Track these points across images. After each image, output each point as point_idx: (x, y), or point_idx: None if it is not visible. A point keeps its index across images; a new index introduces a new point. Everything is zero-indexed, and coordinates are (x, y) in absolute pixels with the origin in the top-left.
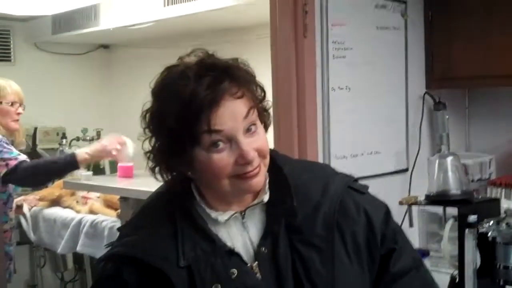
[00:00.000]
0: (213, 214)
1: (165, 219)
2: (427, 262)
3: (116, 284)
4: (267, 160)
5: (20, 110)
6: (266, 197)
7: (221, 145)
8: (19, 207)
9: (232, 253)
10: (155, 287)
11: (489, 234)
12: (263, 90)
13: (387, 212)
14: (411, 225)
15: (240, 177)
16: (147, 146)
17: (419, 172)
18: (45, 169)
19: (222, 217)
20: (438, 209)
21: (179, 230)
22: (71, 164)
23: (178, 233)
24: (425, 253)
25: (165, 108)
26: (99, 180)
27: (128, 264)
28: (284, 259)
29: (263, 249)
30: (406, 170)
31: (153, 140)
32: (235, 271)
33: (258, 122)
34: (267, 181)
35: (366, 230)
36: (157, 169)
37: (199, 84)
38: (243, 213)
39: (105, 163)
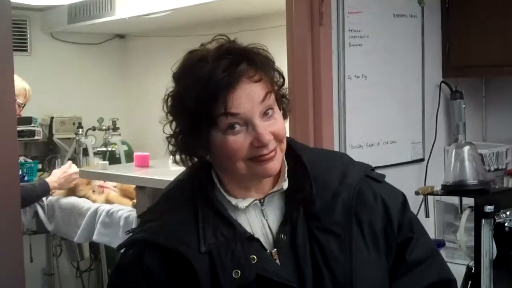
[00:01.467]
0: (233, 201)
1: (186, 205)
2: (442, 253)
3: (139, 269)
4: (284, 145)
5: (21, 112)
6: (285, 185)
7: (237, 127)
8: None
9: (252, 239)
10: (177, 272)
11: (506, 224)
12: (282, 76)
13: (404, 201)
14: (427, 215)
15: (255, 160)
16: (168, 130)
17: (435, 162)
18: (26, 195)
19: (242, 203)
20: (454, 200)
21: (200, 216)
22: (46, 191)
23: (199, 219)
24: (440, 243)
25: (184, 90)
26: (115, 169)
27: (150, 250)
28: (303, 246)
29: (282, 236)
30: (422, 160)
31: (174, 124)
32: (255, 257)
33: (276, 108)
34: (286, 169)
35: (384, 218)
36: (177, 153)
37: (217, 66)
38: (262, 201)
39: (120, 152)
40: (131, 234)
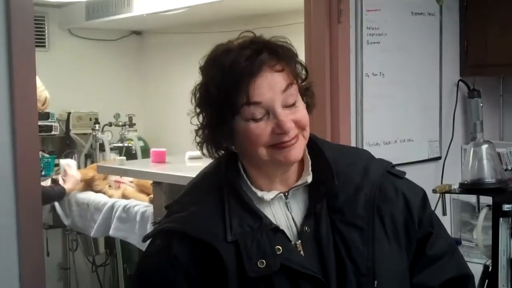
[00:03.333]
0: (259, 192)
1: (213, 196)
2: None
3: (167, 258)
4: (307, 133)
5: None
6: (309, 178)
7: (259, 115)
8: None
9: (277, 231)
10: (204, 261)
11: None
12: (305, 69)
13: (424, 197)
14: (444, 213)
15: (276, 147)
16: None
17: (452, 160)
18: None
19: (268, 196)
20: (471, 198)
21: (226, 206)
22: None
23: (225, 209)
24: (457, 242)
25: (209, 80)
26: (132, 165)
27: (178, 240)
28: (326, 238)
29: (306, 228)
30: (439, 158)
31: (200, 117)
32: (280, 247)
33: (299, 99)
34: (310, 163)
35: (405, 213)
36: (204, 145)
37: (240, 56)
38: (286, 194)
39: (137, 148)
40: (157, 225)
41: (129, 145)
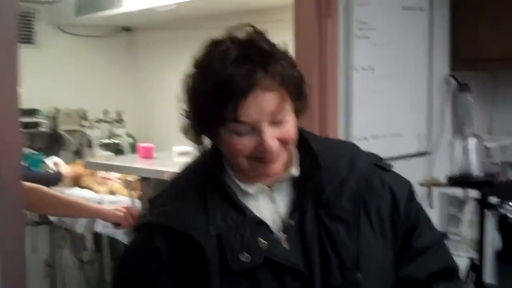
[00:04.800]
0: (243, 186)
1: (196, 190)
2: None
3: (149, 252)
4: (292, 146)
5: None
6: (295, 172)
7: (244, 131)
8: None
9: (261, 224)
10: (187, 255)
11: (510, 216)
12: (301, 77)
13: (411, 189)
14: (431, 207)
15: (257, 160)
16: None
17: (441, 155)
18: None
19: (252, 189)
20: (458, 192)
21: (209, 200)
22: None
23: (208, 203)
24: (444, 236)
25: (199, 86)
26: (120, 161)
27: (161, 233)
28: (311, 232)
29: (291, 221)
30: (428, 152)
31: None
32: (264, 241)
33: (289, 110)
34: (296, 156)
35: (391, 206)
36: (188, 132)
37: (234, 71)
38: (271, 187)
39: (125, 145)
40: (141, 219)
41: (118, 141)
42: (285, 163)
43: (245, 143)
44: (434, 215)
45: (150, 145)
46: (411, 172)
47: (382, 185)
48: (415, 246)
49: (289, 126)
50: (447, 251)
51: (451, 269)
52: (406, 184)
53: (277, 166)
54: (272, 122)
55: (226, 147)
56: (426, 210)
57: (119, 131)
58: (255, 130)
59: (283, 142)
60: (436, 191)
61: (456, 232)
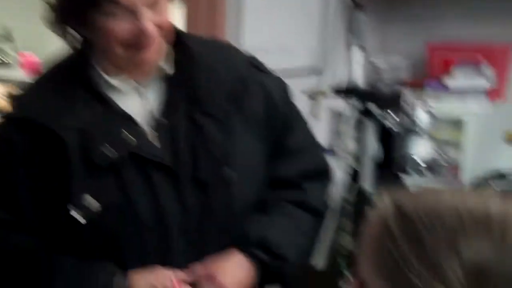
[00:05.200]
0: (113, 81)
1: (62, 84)
2: (332, 160)
3: (5, 144)
4: (169, 34)
5: None
6: (169, 69)
7: (120, 13)
8: None
9: (129, 119)
10: (48, 149)
11: (390, 126)
12: None
13: (286, 89)
14: (316, 118)
15: (135, 47)
16: None
17: (332, 70)
18: None
19: (122, 84)
20: (342, 104)
21: (74, 94)
22: None
23: (74, 96)
24: (330, 151)
25: None
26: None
27: (19, 125)
28: (182, 128)
29: (161, 118)
30: (319, 67)
31: None
32: (130, 136)
33: None
34: (170, 55)
35: (265, 104)
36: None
37: None
38: (142, 83)
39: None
40: None
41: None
42: (159, 57)
43: (122, 26)
44: (321, 131)
45: (36, 58)
46: (300, 85)
47: (257, 85)
48: (288, 145)
49: (164, 12)
50: (321, 153)
51: (323, 170)
52: (281, 84)
53: (153, 54)
54: (147, 5)
55: (101, 34)
56: (312, 123)
57: (6, 46)
58: (132, 13)
59: (159, 27)
60: (322, 103)
61: (340, 144)
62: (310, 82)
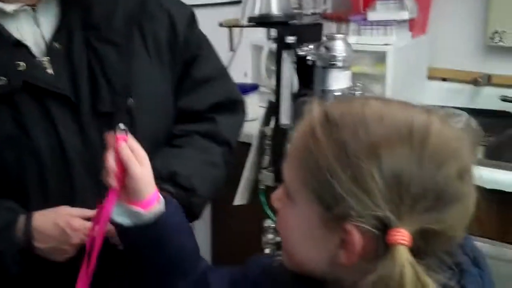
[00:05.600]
0: (3, 5)
1: None
2: (255, 96)
3: None
4: None
5: None
6: None
7: None
8: None
9: (19, 45)
10: None
11: (308, 57)
12: None
13: (192, 16)
14: (231, 49)
15: None
16: None
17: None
18: None
19: (10, 7)
20: (258, 33)
21: None
22: None
23: None
24: (253, 87)
25: None
26: None
27: None
28: (79, 56)
29: (56, 44)
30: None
31: None
32: (22, 63)
33: None
34: None
35: (169, 31)
36: None
37: None
38: (35, 7)
39: None
40: None
41: None
42: None
43: None
44: (241, 61)
45: None
46: (219, 17)
47: (160, 9)
48: (196, 75)
49: None
50: (231, 84)
51: (235, 101)
52: (187, 11)
53: None
54: None
55: None
56: (226, 54)
57: None
58: None
59: None
60: (241, 35)
61: (260, 77)
62: (228, 13)
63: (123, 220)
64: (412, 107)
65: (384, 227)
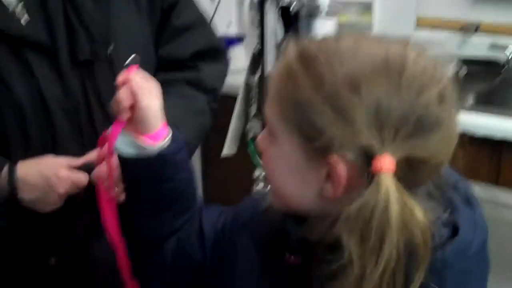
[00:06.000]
0: None
1: None
2: (241, 46)
3: None
4: None
5: None
6: None
7: None
8: None
9: None
10: None
11: (292, 7)
12: None
13: None
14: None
15: None
16: None
17: None
18: None
19: None
20: None
21: None
22: None
23: None
24: (241, 38)
25: None
26: None
27: None
28: (55, 4)
29: None
30: None
31: None
32: None
33: None
34: None
35: None
36: None
37: None
38: None
39: None
40: None
41: None
42: None
43: None
44: (225, 12)
45: None
46: None
47: None
48: (176, 23)
49: None
50: (212, 31)
51: (217, 49)
52: None
53: None
54: None
55: None
56: (211, 6)
57: None
58: None
59: None
60: None
61: (244, 28)
62: None
63: (127, 149)
64: (388, 40)
65: (368, 158)
